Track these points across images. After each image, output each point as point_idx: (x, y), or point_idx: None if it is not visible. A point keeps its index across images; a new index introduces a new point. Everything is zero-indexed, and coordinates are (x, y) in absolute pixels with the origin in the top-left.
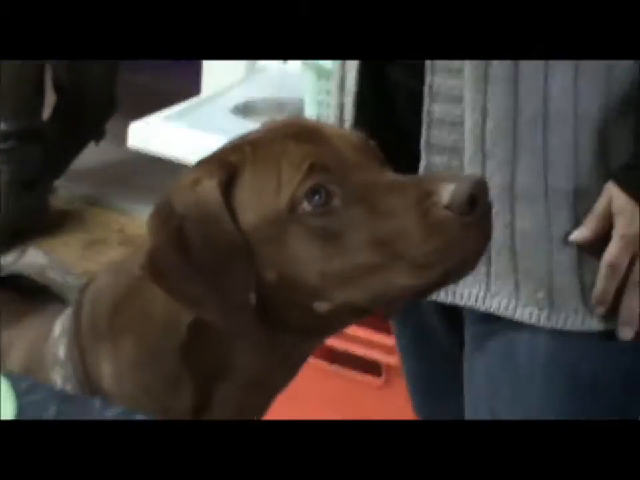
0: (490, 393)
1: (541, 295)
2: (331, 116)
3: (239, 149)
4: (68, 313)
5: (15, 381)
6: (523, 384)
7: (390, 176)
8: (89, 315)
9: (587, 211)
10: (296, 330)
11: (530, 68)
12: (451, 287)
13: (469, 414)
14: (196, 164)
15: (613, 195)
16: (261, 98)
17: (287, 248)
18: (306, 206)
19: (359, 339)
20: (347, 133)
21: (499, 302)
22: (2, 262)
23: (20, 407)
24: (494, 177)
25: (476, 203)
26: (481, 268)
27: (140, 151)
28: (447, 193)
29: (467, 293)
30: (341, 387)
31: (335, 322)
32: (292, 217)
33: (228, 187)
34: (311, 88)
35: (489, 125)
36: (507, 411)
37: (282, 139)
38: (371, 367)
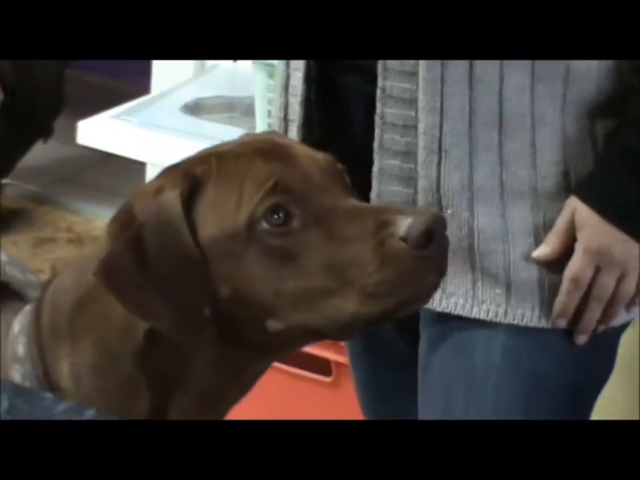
0: (445, 391)
1: (498, 291)
2: (273, 115)
3: (205, 161)
4: (28, 310)
5: None
6: (478, 382)
7: (351, 202)
8: (49, 313)
9: (545, 208)
10: (251, 347)
11: (486, 68)
12: None
13: (422, 414)
14: (161, 172)
15: (577, 208)
16: (211, 96)
17: (243, 264)
18: (264, 224)
19: None
20: (316, 154)
21: (455, 302)
22: None
23: None
24: (450, 176)
25: (432, 237)
26: None
27: (89, 149)
28: (404, 224)
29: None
30: (291, 385)
31: (289, 342)
32: (250, 234)
33: (190, 199)
34: (261, 86)
35: (445, 126)
36: (461, 410)
37: (250, 155)
38: (320, 366)
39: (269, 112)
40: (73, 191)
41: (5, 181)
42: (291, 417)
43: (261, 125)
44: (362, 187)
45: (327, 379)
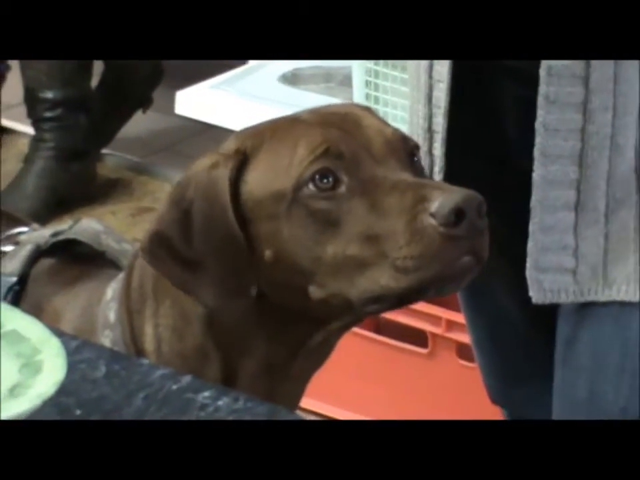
0: (594, 369)
1: None
2: (415, 124)
3: (259, 134)
4: (120, 277)
5: (65, 340)
6: (632, 354)
7: (402, 176)
8: (138, 277)
9: None
10: (300, 317)
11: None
12: (550, 284)
13: (562, 397)
14: (233, 136)
15: None
16: (309, 66)
17: (287, 227)
18: (311, 187)
19: (405, 308)
20: (386, 128)
21: (617, 289)
22: (58, 229)
23: (70, 365)
24: (619, 168)
25: (463, 216)
26: (596, 259)
27: (187, 119)
28: (435, 201)
29: (585, 288)
30: (387, 357)
31: (332, 313)
32: (296, 196)
33: (240, 171)
34: None
35: (617, 123)
36: (612, 385)
37: (310, 122)
38: (417, 338)
39: (366, 82)
40: (172, 161)
41: (104, 151)
42: (387, 388)
43: (358, 95)
44: (507, 192)
45: (424, 351)
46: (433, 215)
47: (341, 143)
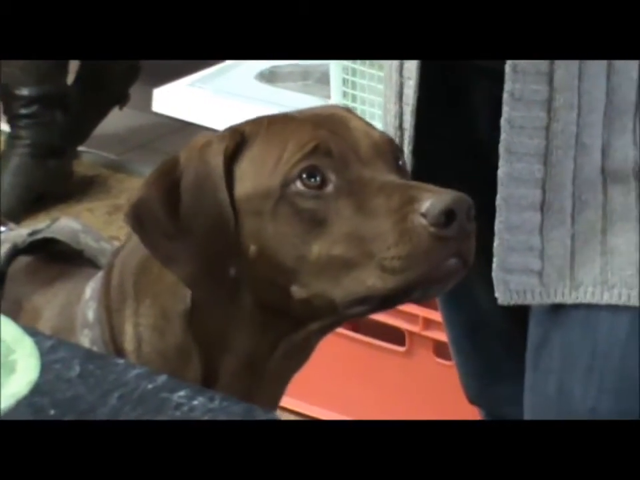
0: (562, 369)
1: (629, 272)
2: (387, 123)
3: (257, 122)
4: (99, 276)
5: (39, 339)
6: (600, 358)
7: (389, 177)
8: (117, 275)
9: None
10: (282, 315)
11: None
12: (516, 285)
13: (532, 396)
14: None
15: None
16: (286, 64)
17: (272, 224)
18: (299, 185)
19: None
20: (372, 130)
21: (584, 291)
22: (36, 228)
23: (44, 365)
24: (584, 167)
25: (453, 218)
26: (563, 262)
27: (164, 116)
28: (427, 201)
29: (552, 290)
30: (365, 355)
31: (315, 313)
32: (283, 193)
33: (234, 155)
34: None
35: (581, 121)
36: (580, 386)
37: (302, 120)
38: (394, 336)
39: (344, 80)
40: (149, 159)
41: (81, 148)
42: (365, 386)
43: (336, 92)
44: (481, 191)
45: (401, 349)
46: (423, 215)
47: (330, 141)
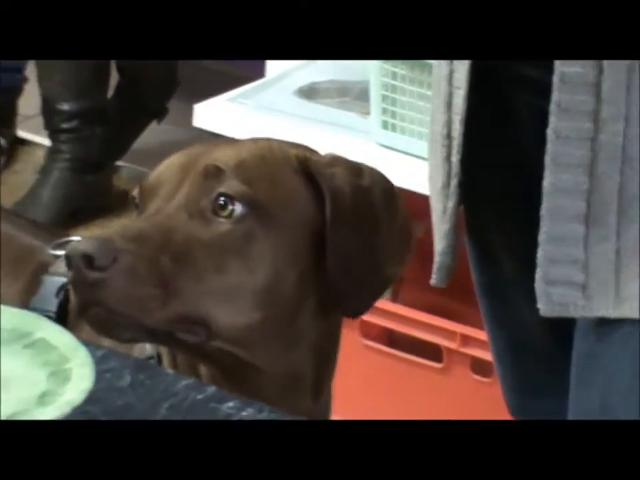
0: (606, 383)
1: None
2: (435, 132)
3: None
4: None
5: (91, 349)
6: None
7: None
8: None
9: None
10: None
11: None
12: (559, 297)
13: (576, 410)
14: None
15: None
16: (326, 80)
17: None
18: None
19: (419, 322)
20: (178, 158)
21: (629, 306)
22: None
23: (96, 374)
24: (631, 183)
25: (69, 264)
26: (607, 276)
27: (204, 131)
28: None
29: (595, 304)
30: (401, 371)
31: None
32: None
33: None
34: (376, 70)
35: (629, 133)
36: (623, 403)
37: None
38: (431, 352)
39: (383, 97)
40: None
41: (119, 162)
42: (401, 402)
43: (375, 109)
44: (525, 202)
45: (438, 365)
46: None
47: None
